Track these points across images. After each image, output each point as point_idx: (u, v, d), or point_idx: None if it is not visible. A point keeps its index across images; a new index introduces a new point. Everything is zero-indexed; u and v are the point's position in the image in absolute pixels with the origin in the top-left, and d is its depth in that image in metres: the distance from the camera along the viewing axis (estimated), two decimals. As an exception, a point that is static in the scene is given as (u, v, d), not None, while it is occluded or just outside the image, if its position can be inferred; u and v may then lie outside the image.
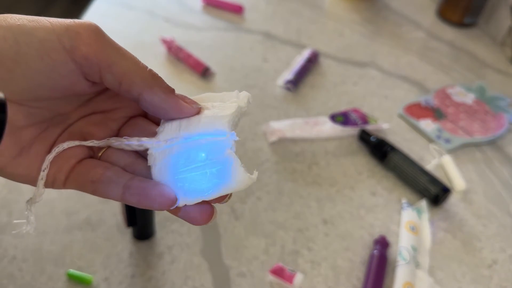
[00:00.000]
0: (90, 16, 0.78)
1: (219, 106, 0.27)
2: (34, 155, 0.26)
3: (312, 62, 0.72)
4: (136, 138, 0.27)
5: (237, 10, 0.82)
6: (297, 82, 0.68)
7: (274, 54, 0.74)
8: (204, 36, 0.77)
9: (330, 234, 0.50)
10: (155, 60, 0.71)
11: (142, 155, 0.28)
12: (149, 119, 0.30)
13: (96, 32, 0.24)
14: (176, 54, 0.71)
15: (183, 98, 0.27)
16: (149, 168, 0.27)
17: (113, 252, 0.46)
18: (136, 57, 0.26)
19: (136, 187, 0.25)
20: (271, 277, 0.46)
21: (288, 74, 0.69)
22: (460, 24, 0.84)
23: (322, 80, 0.71)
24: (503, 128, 0.64)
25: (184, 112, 0.26)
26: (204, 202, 0.26)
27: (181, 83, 0.68)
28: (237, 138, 0.26)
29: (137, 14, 0.80)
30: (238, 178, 0.25)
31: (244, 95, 0.28)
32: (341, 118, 0.62)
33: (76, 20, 0.24)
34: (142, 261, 0.46)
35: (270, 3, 0.86)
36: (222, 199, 0.27)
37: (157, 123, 0.29)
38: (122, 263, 0.46)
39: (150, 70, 0.26)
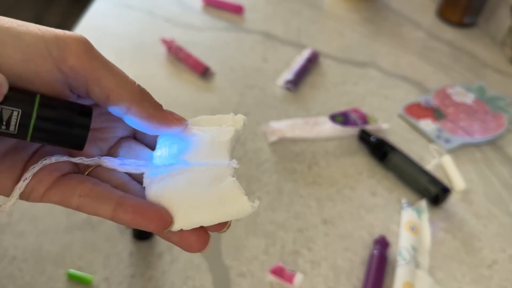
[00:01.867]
0: (91, 16, 0.78)
1: (217, 131, 0.27)
2: (10, 164, 0.25)
3: (312, 62, 0.72)
4: (133, 160, 0.27)
5: (237, 10, 0.82)
6: (297, 82, 0.68)
7: (274, 54, 0.74)
8: (204, 36, 0.77)
9: (330, 234, 0.51)
10: (155, 60, 0.71)
11: (134, 177, 0.28)
12: (138, 141, 0.29)
13: (85, 45, 0.24)
14: (176, 54, 0.71)
15: (171, 113, 0.27)
16: (141, 190, 0.26)
17: (113, 252, 0.46)
18: (124, 72, 0.25)
19: (131, 205, 0.25)
20: (271, 277, 0.46)
21: (288, 74, 0.69)
22: (460, 24, 0.84)
23: (322, 80, 0.71)
24: (502, 128, 0.64)
25: (172, 128, 0.26)
26: (201, 228, 0.25)
27: (181, 83, 0.68)
28: (238, 166, 0.26)
29: (137, 14, 0.80)
30: (240, 206, 0.25)
31: (240, 118, 0.28)
32: (341, 118, 0.62)
33: (66, 31, 0.24)
34: (142, 261, 0.46)
35: (270, 3, 0.87)
36: (221, 227, 0.26)
37: (147, 144, 0.29)
38: (122, 263, 0.46)
39: (139, 85, 0.25)
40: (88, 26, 0.75)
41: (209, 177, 0.25)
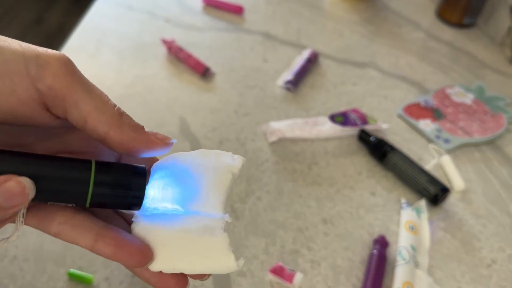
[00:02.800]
0: (91, 16, 0.78)
1: (214, 175, 0.26)
2: None
3: (311, 62, 0.72)
4: None
5: (237, 10, 0.82)
6: (297, 82, 0.68)
7: (274, 55, 0.75)
8: (204, 37, 0.77)
9: (330, 233, 0.51)
10: (155, 61, 0.71)
11: (117, 212, 0.27)
12: None
13: (66, 65, 0.23)
14: (177, 54, 0.71)
15: (154, 134, 0.26)
16: (125, 225, 0.26)
17: (114, 251, 0.47)
18: (105, 95, 0.24)
19: (113, 237, 0.24)
20: (271, 277, 0.46)
21: (288, 75, 0.69)
22: (459, 24, 0.84)
23: (321, 80, 0.71)
24: (502, 128, 0.64)
25: (156, 149, 0.25)
26: (181, 273, 0.25)
27: (181, 83, 0.68)
28: (230, 220, 0.26)
29: (137, 15, 0.80)
30: (226, 263, 0.25)
31: (239, 161, 0.27)
32: (341, 118, 0.62)
33: (48, 50, 0.23)
34: (143, 261, 0.46)
35: (270, 3, 0.87)
36: (201, 276, 0.26)
37: None
38: (123, 263, 0.46)
39: (118, 109, 0.24)
40: (88, 27, 0.75)
41: (200, 225, 0.25)
